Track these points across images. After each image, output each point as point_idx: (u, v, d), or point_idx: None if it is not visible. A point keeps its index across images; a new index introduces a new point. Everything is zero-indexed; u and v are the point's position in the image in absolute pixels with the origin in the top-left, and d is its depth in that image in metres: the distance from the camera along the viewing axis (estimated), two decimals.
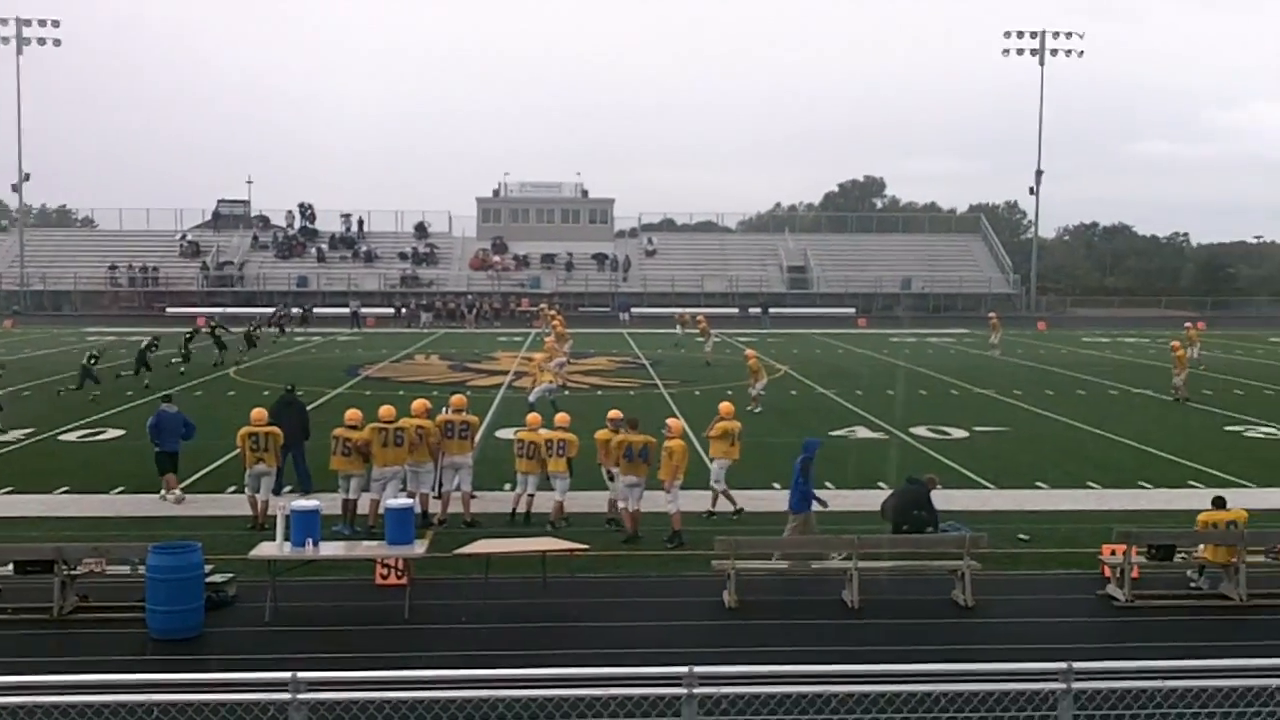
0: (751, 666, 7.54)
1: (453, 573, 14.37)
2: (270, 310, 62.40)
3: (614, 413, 17.70)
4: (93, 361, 32.65)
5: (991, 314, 55.52)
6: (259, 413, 17.73)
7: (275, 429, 17.48)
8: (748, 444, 19.13)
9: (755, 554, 14.14)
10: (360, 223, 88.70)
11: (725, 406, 18.61)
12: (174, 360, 38.13)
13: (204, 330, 43.72)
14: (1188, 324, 47.12)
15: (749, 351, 32.23)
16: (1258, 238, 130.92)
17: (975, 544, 13.91)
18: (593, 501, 17.78)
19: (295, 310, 63.28)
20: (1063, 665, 7.22)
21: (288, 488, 18.37)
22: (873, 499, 16.94)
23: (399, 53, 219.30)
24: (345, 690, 7.26)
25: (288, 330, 55.85)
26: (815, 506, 15.45)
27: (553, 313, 53.01)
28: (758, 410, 28.90)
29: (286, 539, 13.15)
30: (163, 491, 18.70)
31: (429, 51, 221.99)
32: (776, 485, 19.83)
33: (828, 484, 18.79)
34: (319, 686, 7.16)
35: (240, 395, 31.96)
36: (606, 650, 11.60)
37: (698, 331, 45.58)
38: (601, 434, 17.18)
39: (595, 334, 57.97)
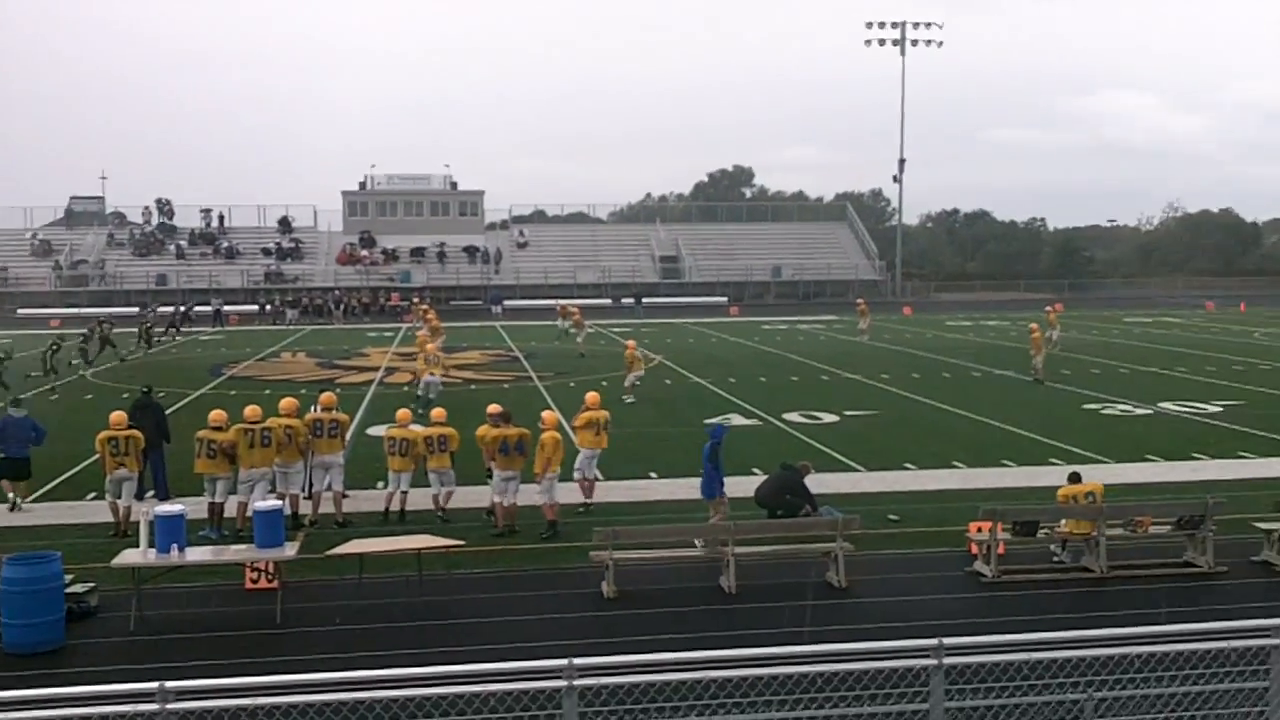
0: (631, 656, 7.53)
1: (325, 574, 14.13)
2: (138, 308, 60.57)
3: (493, 407, 17.52)
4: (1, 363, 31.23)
5: (859, 300, 56.51)
6: (118, 416, 17.16)
7: (136, 432, 16.95)
8: (625, 434, 19.17)
9: (634, 544, 14.17)
10: (221, 218, 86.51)
11: (591, 396, 18.59)
12: (74, 362, 37.06)
13: (96, 330, 42.32)
14: (1048, 307, 48.49)
15: (629, 343, 32.29)
16: (1111, 221, 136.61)
17: (847, 526, 14.16)
18: (468, 497, 17.61)
19: (181, 308, 61.36)
20: (934, 642, 7.35)
21: (149, 493, 17.85)
22: (747, 485, 17.10)
23: (257, 44, 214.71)
24: (216, 698, 7.05)
25: (181, 330, 54.37)
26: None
27: (425, 307, 52.49)
28: (630, 400, 28.99)
29: (151, 545, 12.79)
30: (13, 498, 18.01)
31: (289, 42, 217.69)
32: (653, 475, 19.93)
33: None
34: (188, 695, 6.96)
35: (99, 398, 30.91)
36: (485, 646, 11.54)
37: (572, 323, 45.58)
38: (482, 430, 16.96)
39: (467, 327, 57.51)
